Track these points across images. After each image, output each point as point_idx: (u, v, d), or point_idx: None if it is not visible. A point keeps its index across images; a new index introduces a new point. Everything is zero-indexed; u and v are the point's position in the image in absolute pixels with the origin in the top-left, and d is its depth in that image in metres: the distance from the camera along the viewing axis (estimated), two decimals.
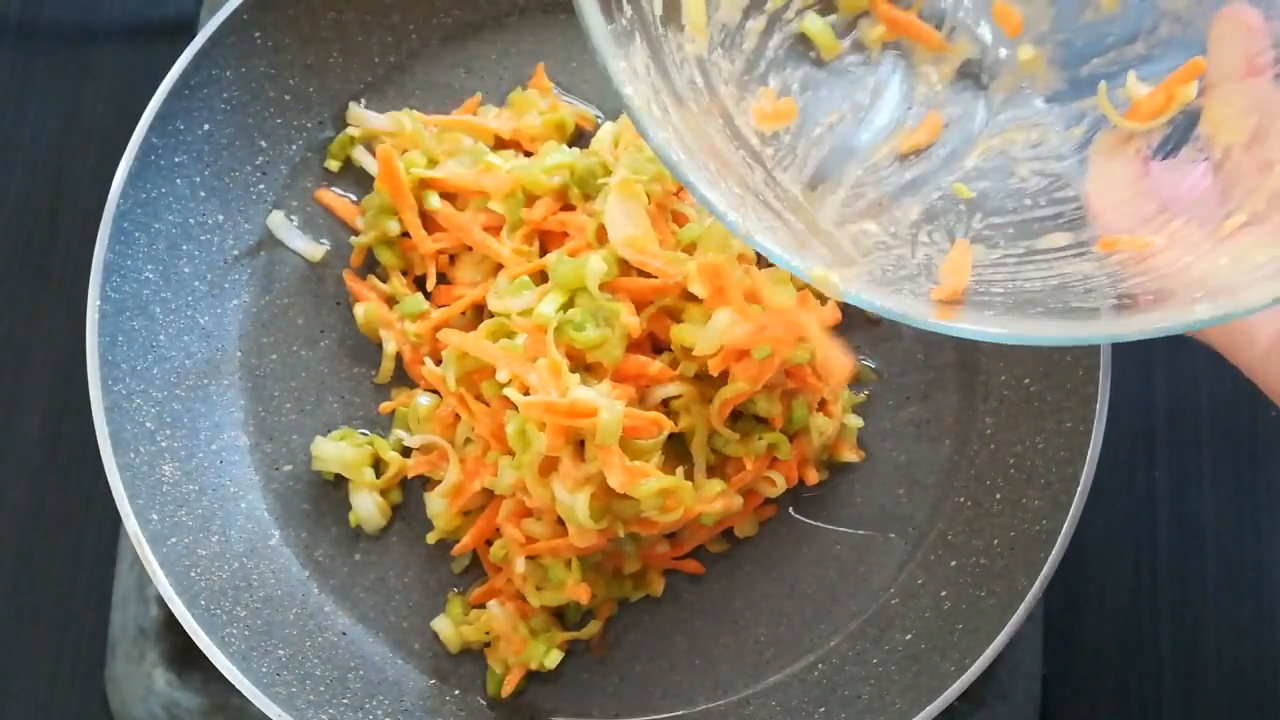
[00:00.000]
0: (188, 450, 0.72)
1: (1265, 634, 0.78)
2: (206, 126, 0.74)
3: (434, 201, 0.73)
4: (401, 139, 0.75)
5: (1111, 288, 0.49)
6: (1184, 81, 0.52)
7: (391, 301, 0.74)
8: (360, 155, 0.77)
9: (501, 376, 0.66)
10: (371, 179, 0.75)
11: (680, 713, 0.71)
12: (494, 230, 0.73)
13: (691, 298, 0.67)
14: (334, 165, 0.77)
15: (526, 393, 0.65)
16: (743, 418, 0.69)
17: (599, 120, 0.77)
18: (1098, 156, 0.54)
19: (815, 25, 0.58)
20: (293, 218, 0.76)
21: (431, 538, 0.72)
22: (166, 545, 0.68)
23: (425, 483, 0.73)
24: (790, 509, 0.73)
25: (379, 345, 0.74)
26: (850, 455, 0.73)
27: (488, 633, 0.70)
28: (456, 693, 0.71)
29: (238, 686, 0.65)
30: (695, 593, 0.72)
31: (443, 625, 0.71)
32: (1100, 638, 0.78)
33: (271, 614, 0.70)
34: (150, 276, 0.72)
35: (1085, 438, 0.68)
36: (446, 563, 0.73)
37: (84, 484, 0.80)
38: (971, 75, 0.58)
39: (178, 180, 0.73)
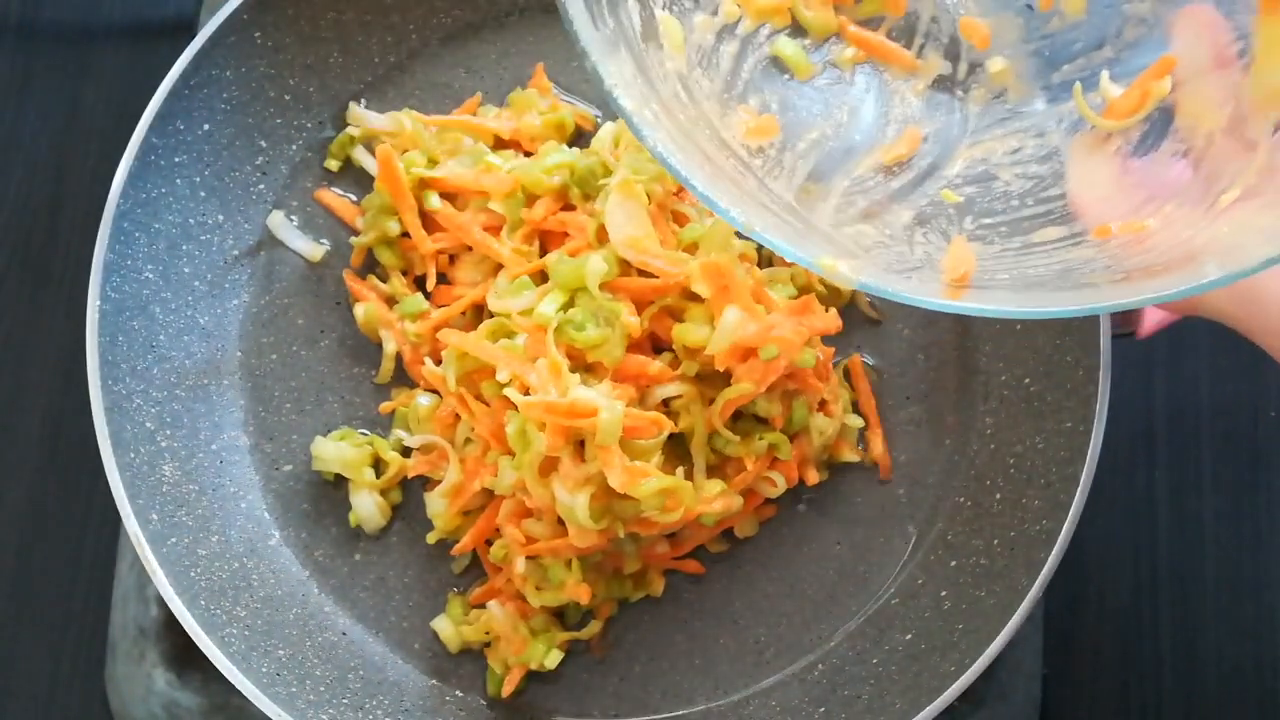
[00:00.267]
0: (188, 450, 0.72)
1: (1265, 634, 0.78)
2: (206, 126, 0.74)
3: (434, 201, 0.73)
4: (401, 139, 0.75)
5: (1116, 269, 0.49)
6: (1157, 77, 0.52)
7: (391, 301, 0.74)
8: (360, 155, 0.77)
9: (501, 376, 0.66)
10: (371, 179, 0.75)
11: (680, 713, 0.71)
12: (494, 230, 0.73)
13: (693, 297, 0.67)
14: (334, 165, 0.77)
15: (526, 393, 0.65)
16: (743, 418, 0.69)
17: (599, 120, 0.77)
18: (1075, 158, 0.54)
19: (787, 49, 0.59)
20: (293, 218, 0.76)
21: (431, 538, 0.72)
22: (166, 545, 0.68)
23: (425, 483, 0.73)
24: (790, 509, 0.73)
25: (379, 345, 0.74)
26: (850, 455, 0.73)
27: (488, 633, 0.70)
28: (456, 693, 0.71)
29: (238, 686, 0.65)
30: (695, 593, 0.72)
31: (443, 625, 0.71)
32: (1100, 638, 0.78)
33: (271, 614, 0.70)
34: (150, 276, 0.72)
35: (1085, 438, 0.68)
36: (446, 563, 0.73)
37: (84, 484, 0.80)
38: (947, 88, 0.58)
39: (178, 180, 0.73)
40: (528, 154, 0.75)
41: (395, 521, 0.73)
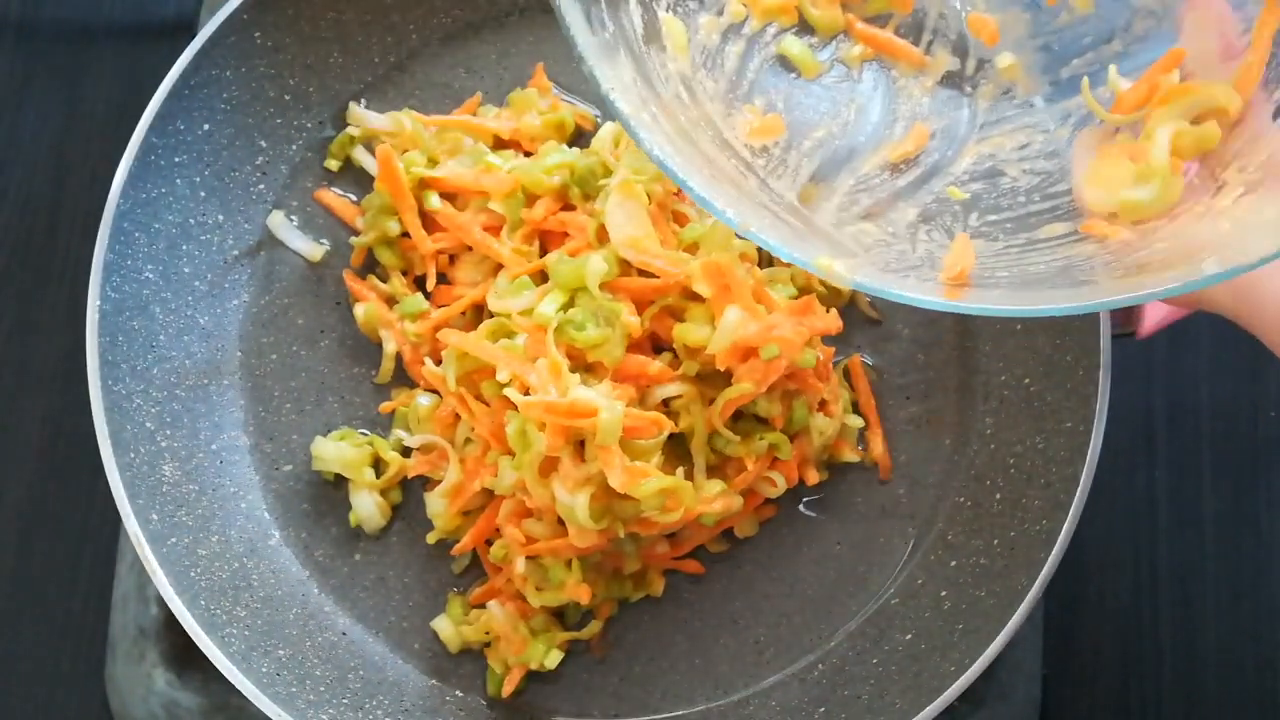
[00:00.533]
0: (188, 450, 0.72)
1: (1265, 634, 0.78)
2: (206, 126, 0.74)
3: (434, 201, 0.73)
4: (401, 139, 0.75)
5: (1118, 265, 0.49)
6: (1165, 70, 0.52)
7: (391, 301, 0.74)
8: (360, 155, 0.77)
9: (501, 376, 0.66)
10: (371, 179, 0.75)
11: (680, 713, 0.71)
12: (494, 230, 0.73)
13: (693, 297, 0.67)
14: (334, 165, 0.77)
15: (526, 393, 0.65)
16: (743, 418, 0.69)
17: (599, 120, 0.77)
18: (1082, 152, 0.54)
19: (794, 48, 0.58)
20: (293, 218, 0.76)
21: (431, 538, 0.72)
22: (166, 545, 0.68)
23: (425, 483, 0.73)
24: (790, 509, 0.73)
25: (379, 345, 0.74)
26: (850, 455, 0.73)
27: (488, 633, 0.70)
28: (457, 693, 0.71)
29: (238, 686, 0.65)
30: (695, 593, 0.72)
31: (443, 625, 0.71)
32: (1100, 638, 0.78)
33: (271, 614, 0.70)
34: (150, 276, 0.72)
35: (1085, 438, 0.68)
36: (446, 563, 0.73)
37: (84, 484, 0.80)
38: (955, 84, 0.58)
39: (178, 180, 0.73)
40: (528, 154, 0.75)
41: (395, 521, 0.73)
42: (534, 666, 0.69)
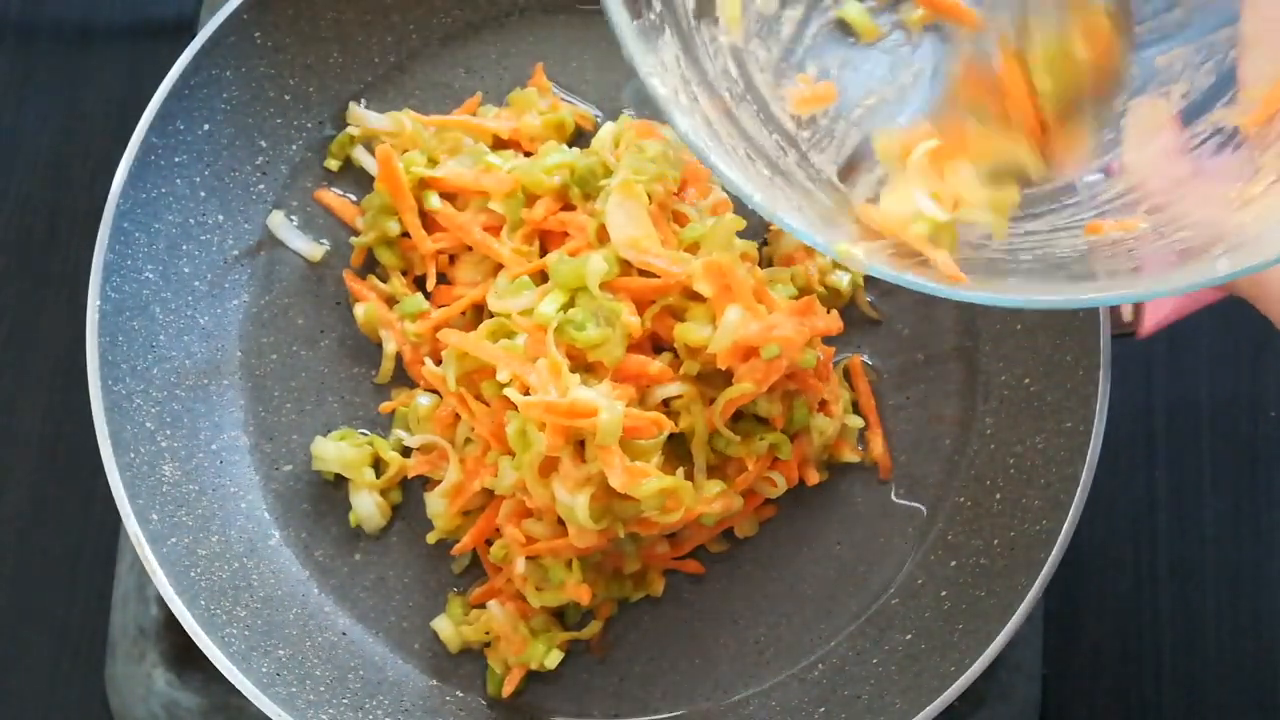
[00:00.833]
0: (188, 450, 0.72)
1: (1265, 634, 0.78)
2: (206, 126, 0.74)
3: (434, 201, 0.73)
4: (401, 139, 0.75)
5: (1138, 250, 0.49)
6: None
7: (391, 301, 0.74)
8: (360, 155, 0.77)
9: (501, 376, 0.66)
10: (371, 179, 0.75)
11: (680, 712, 0.71)
12: (494, 230, 0.73)
13: (694, 297, 0.67)
14: (334, 165, 0.77)
15: (526, 393, 0.65)
16: (743, 418, 0.69)
17: (599, 120, 0.77)
18: (1135, 118, 0.53)
19: (853, 11, 0.58)
20: (293, 218, 0.76)
21: (431, 538, 0.72)
22: (166, 545, 0.68)
23: (425, 483, 0.73)
24: (790, 509, 0.73)
25: (379, 345, 0.74)
26: (850, 455, 0.73)
27: (488, 633, 0.70)
28: (457, 693, 0.71)
29: (238, 686, 0.65)
30: (695, 593, 0.72)
31: (443, 625, 0.71)
32: (1100, 638, 0.78)
33: (271, 614, 0.70)
34: (150, 276, 0.72)
35: (1085, 438, 0.68)
36: (446, 563, 0.73)
37: (84, 484, 0.80)
38: None
39: (178, 180, 0.73)
40: (528, 154, 0.75)
41: (395, 521, 0.73)
42: (534, 666, 0.69)
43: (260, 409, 0.74)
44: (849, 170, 0.56)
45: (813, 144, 0.56)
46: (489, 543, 0.71)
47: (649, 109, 0.71)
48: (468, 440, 0.71)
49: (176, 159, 0.73)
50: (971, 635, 0.67)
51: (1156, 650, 0.78)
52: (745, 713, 0.70)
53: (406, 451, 0.73)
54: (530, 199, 0.72)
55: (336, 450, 0.72)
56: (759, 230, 0.74)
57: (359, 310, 0.74)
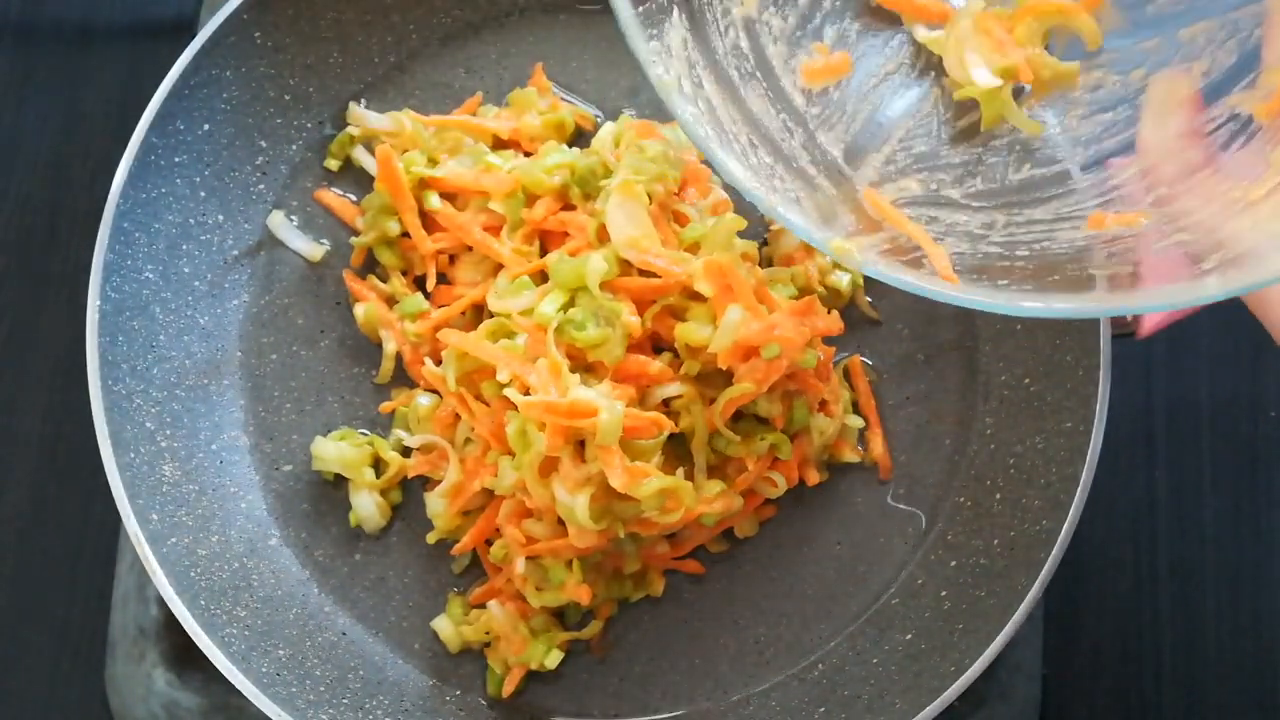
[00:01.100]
0: (188, 450, 0.72)
1: (1265, 634, 0.78)
2: (206, 126, 0.74)
3: (434, 201, 0.73)
4: (401, 139, 0.75)
5: (1137, 250, 0.49)
6: None
7: (391, 301, 0.74)
8: (360, 155, 0.77)
9: (501, 376, 0.66)
10: (371, 179, 0.75)
11: (680, 712, 0.71)
12: (494, 230, 0.73)
13: (695, 296, 0.67)
14: (334, 165, 0.77)
15: (526, 393, 0.65)
16: (743, 418, 0.69)
17: (599, 120, 0.77)
18: (1154, 96, 0.53)
19: None
20: (293, 218, 0.76)
21: (431, 538, 0.72)
22: (166, 545, 0.68)
23: (425, 483, 0.73)
24: (790, 509, 0.73)
25: (379, 345, 0.74)
26: (850, 455, 0.73)
27: (488, 633, 0.70)
28: (456, 693, 0.71)
29: (238, 686, 0.65)
30: (695, 593, 0.72)
31: (443, 625, 0.71)
32: (1100, 638, 0.78)
33: (271, 614, 0.70)
34: (150, 276, 0.72)
35: (1085, 438, 0.68)
36: (446, 563, 0.73)
37: (84, 484, 0.80)
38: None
39: (178, 180, 0.73)
40: (528, 154, 0.75)
41: (395, 521, 0.73)
42: (534, 666, 0.69)
43: (260, 409, 0.74)
44: (856, 149, 0.55)
45: (822, 121, 0.55)
46: (489, 543, 0.71)
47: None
48: (468, 440, 0.71)
49: (176, 159, 0.73)
50: (971, 635, 0.67)
51: (1156, 650, 0.78)
52: (745, 713, 0.70)
53: (406, 451, 0.73)
54: (530, 199, 0.72)
55: (336, 450, 0.72)
56: (759, 230, 0.74)
57: (359, 310, 0.74)
